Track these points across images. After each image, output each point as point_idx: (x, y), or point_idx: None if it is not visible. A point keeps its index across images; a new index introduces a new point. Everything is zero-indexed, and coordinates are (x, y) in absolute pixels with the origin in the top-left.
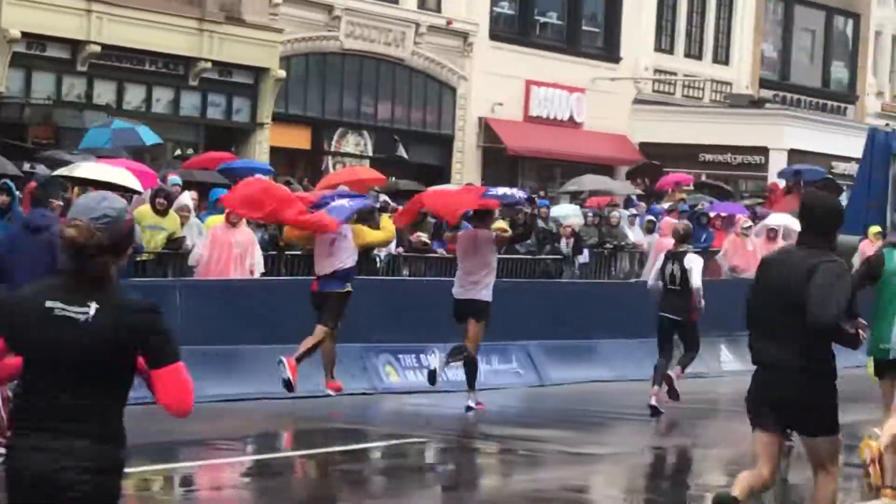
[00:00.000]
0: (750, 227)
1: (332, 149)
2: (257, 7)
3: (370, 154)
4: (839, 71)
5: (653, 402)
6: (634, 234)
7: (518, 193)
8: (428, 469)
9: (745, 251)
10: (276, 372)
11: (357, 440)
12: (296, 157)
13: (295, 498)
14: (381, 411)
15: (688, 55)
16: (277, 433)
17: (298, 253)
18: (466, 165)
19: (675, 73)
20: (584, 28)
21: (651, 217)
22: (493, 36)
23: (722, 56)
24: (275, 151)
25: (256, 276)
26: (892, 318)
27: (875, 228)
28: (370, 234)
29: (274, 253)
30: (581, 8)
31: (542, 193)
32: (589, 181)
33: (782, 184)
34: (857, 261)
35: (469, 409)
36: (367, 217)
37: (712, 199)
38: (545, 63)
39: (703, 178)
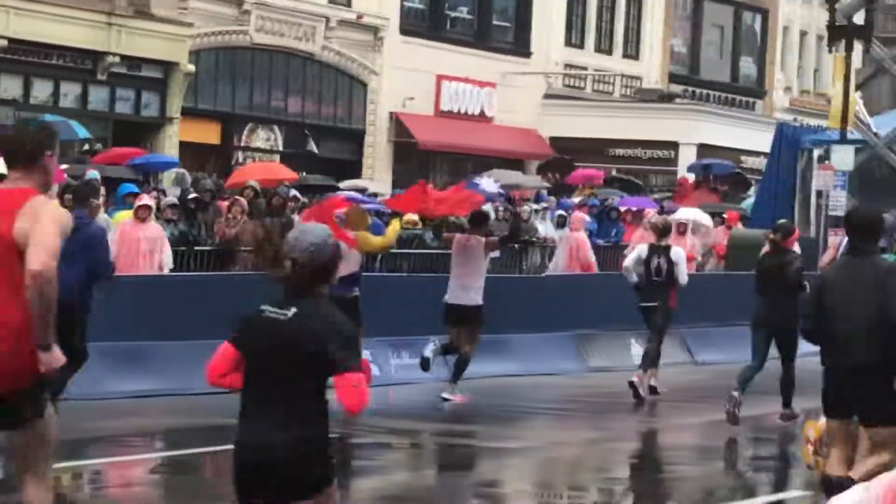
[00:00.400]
0: None
1: (243, 143)
2: (166, 1)
3: (280, 149)
4: (748, 66)
5: (647, 383)
6: (545, 229)
7: (491, 188)
8: (338, 464)
9: None
10: (184, 368)
11: None
12: (206, 151)
13: (204, 494)
14: None
15: (598, 50)
16: (187, 430)
17: (208, 249)
18: (377, 160)
19: (585, 68)
20: (495, 23)
21: (562, 212)
22: (404, 30)
23: (632, 51)
24: (184, 146)
25: (165, 272)
26: None
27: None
28: (374, 240)
29: (184, 249)
30: (491, 3)
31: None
32: (497, 176)
33: (692, 178)
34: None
35: (445, 400)
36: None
37: (622, 193)
38: (456, 58)
39: (614, 172)
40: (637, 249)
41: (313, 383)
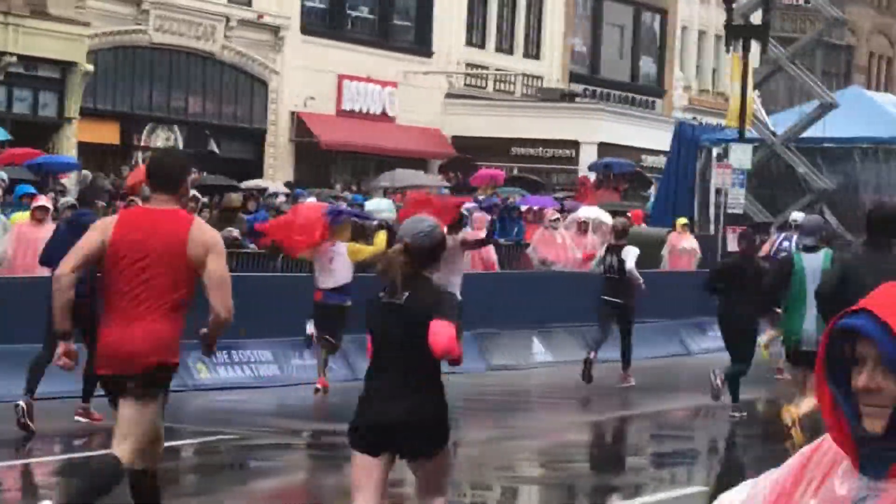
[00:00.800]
0: (557, 219)
1: (142, 144)
2: (63, 1)
3: (181, 149)
4: (647, 65)
5: (625, 383)
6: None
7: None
8: (239, 466)
9: (554, 243)
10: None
11: (167, 438)
12: (105, 152)
13: (105, 496)
14: (191, 409)
15: (499, 50)
16: (85, 432)
17: None
18: (279, 160)
19: (486, 68)
20: (396, 22)
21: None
22: (305, 30)
23: (533, 51)
24: (83, 147)
25: None
26: (801, 312)
27: (682, 220)
28: (364, 250)
29: None
30: (393, 2)
31: (354, 188)
32: (401, 176)
33: (593, 177)
34: (665, 253)
35: None
36: (360, 235)
37: (524, 192)
38: (357, 57)
39: (515, 171)
40: (598, 252)
41: (425, 356)
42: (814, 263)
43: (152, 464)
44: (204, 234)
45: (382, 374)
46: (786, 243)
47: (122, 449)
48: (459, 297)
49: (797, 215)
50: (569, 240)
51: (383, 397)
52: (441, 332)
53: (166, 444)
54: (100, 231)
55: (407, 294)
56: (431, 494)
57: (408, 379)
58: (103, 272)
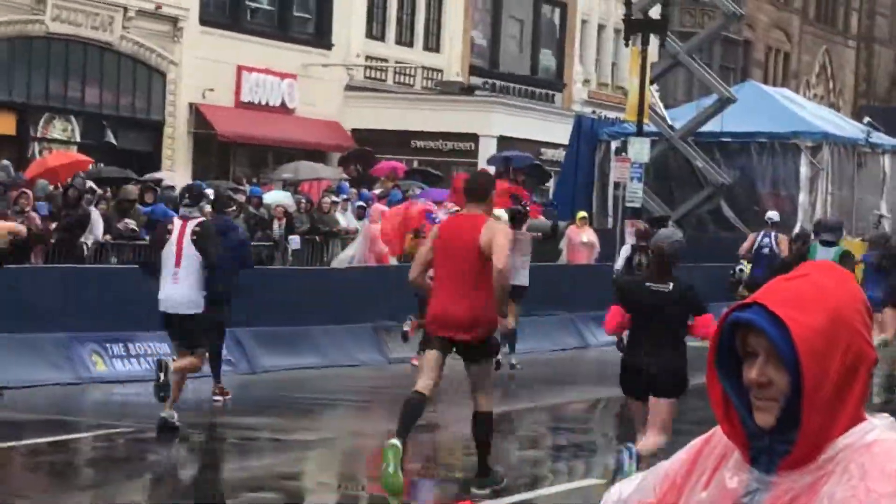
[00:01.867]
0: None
1: (39, 135)
2: None
3: (78, 140)
4: (547, 59)
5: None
6: (346, 220)
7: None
8: (138, 459)
9: None
10: None
11: (64, 431)
12: (1, 143)
13: (1, 490)
14: (88, 401)
15: (399, 42)
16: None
17: None
18: (177, 152)
19: (386, 60)
20: (296, 14)
21: (361, 203)
22: (204, 21)
23: (433, 43)
24: None
25: None
26: None
27: (581, 214)
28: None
29: None
30: None
31: (255, 180)
32: (303, 168)
33: (492, 170)
34: (563, 246)
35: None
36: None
37: (423, 185)
38: (256, 49)
39: (415, 164)
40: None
41: (679, 328)
42: (826, 257)
43: (491, 408)
44: (490, 229)
45: (644, 338)
46: (766, 240)
47: (478, 397)
48: (528, 283)
49: (772, 214)
50: None
51: (646, 354)
52: (709, 324)
53: (62, 437)
54: (429, 238)
55: (672, 285)
56: (662, 431)
57: (662, 342)
58: (435, 263)
